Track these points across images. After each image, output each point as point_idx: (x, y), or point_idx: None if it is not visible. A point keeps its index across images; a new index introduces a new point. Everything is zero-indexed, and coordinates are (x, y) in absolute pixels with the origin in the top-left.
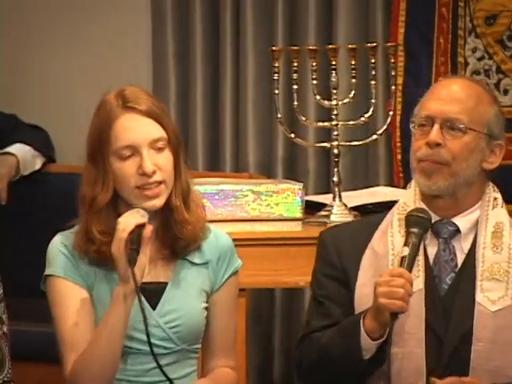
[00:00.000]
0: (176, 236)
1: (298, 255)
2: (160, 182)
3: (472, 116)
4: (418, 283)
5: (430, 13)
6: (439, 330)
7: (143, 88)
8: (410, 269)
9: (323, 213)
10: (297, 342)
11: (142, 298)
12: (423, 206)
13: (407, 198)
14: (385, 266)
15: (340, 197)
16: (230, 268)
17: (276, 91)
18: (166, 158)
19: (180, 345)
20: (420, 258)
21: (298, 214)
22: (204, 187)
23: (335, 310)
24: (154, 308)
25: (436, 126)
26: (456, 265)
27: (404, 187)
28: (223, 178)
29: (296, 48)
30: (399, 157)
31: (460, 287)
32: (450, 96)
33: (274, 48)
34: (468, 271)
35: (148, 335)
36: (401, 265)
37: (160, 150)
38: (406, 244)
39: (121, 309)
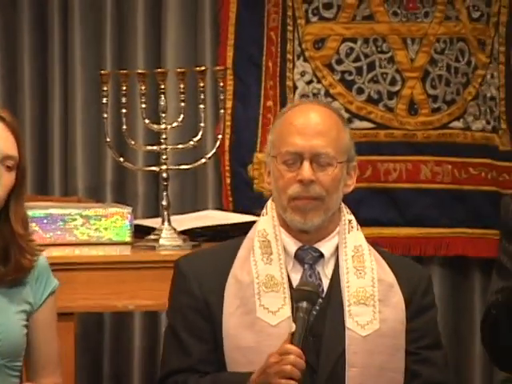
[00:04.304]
0: (13, 261)
1: (127, 279)
2: None
3: (337, 147)
4: (286, 311)
5: (258, 36)
6: (311, 358)
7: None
8: (299, 344)
9: (152, 237)
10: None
11: None
12: (283, 232)
13: (266, 225)
14: (250, 295)
15: (169, 220)
16: (48, 288)
17: (105, 115)
18: (9, 180)
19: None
20: (285, 286)
21: (127, 238)
22: (32, 211)
23: (196, 346)
24: None
25: (306, 163)
26: (322, 290)
27: (234, 211)
28: (52, 202)
29: (125, 72)
30: (228, 181)
31: (328, 313)
32: (314, 129)
33: (102, 72)
34: (335, 297)
35: None
36: (291, 341)
37: (8, 168)
38: (294, 320)
39: None
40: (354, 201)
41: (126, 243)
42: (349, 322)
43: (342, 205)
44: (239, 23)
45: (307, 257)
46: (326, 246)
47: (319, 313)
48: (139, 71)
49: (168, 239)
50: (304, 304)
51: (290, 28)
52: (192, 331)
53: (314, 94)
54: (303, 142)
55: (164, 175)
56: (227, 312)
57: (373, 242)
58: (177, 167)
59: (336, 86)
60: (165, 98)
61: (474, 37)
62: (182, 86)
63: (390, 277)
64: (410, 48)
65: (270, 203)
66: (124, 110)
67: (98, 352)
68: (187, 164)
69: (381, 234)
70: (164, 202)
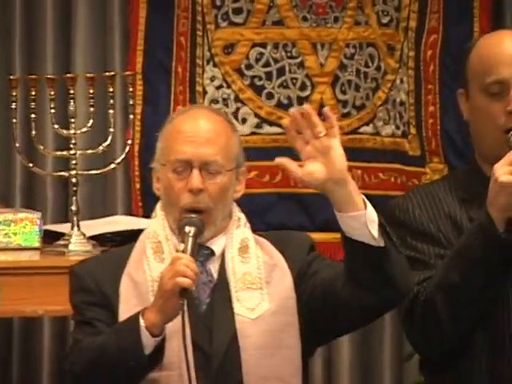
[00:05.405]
0: None
1: (36, 284)
2: None
3: (226, 155)
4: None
5: (168, 41)
6: (206, 347)
7: None
8: (191, 254)
9: (62, 242)
10: (65, 356)
11: None
12: (171, 233)
13: (156, 227)
14: (145, 293)
15: (78, 226)
16: None
17: (14, 120)
18: None
19: None
20: None
21: (36, 244)
22: None
23: (103, 327)
24: None
25: (195, 171)
26: (215, 286)
27: (144, 216)
28: None
29: (34, 77)
30: (138, 186)
31: (217, 303)
32: (203, 137)
33: (11, 77)
34: (223, 287)
35: None
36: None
37: None
38: (182, 241)
39: None
40: (263, 206)
41: (35, 248)
42: (237, 308)
43: (234, 205)
44: (148, 28)
45: (198, 254)
46: (216, 244)
47: (209, 305)
48: (48, 76)
49: (77, 244)
50: (189, 228)
51: (199, 33)
52: (99, 319)
53: (224, 99)
54: (192, 150)
55: (73, 180)
56: (124, 309)
57: None
58: (86, 172)
59: (246, 91)
60: (74, 103)
61: (384, 42)
62: (91, 91)
63: (274, 259)
64: (320, 53)
65: (158, 206)
66: (33, 115)
67: (7, 357)
68: (97, 169)
69: None
70: (73, 207)
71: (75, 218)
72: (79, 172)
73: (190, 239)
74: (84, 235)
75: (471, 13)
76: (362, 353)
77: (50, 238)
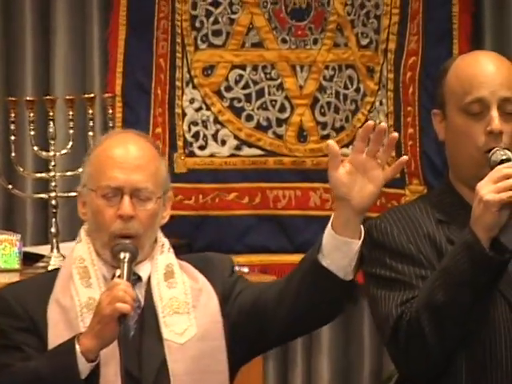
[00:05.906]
0: None
1: None
2: None
3: (156, 182)
4: None
5: (147, 63)
6: (135, 373)
7: None
8: (127, 279)
9: (41, 264)
10: None
11: None
12: (97, 258)
13: (82, 252)
14: (74, 318)
15: (58, 248)
16: None
17: None
18: None
19: None
20: None
21: (16, 266)
22: None
23: (35, 354)
24: None
25: (126, 198)
26: (142, 311)
27: None
28: None
29: (13, 99)
30: None
31: (146, 329)
32: (133, 163)
33: None
34: (150, 312)
35: None
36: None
37: None
38: (117, 267)
39: None
40: (242, 228)
41: (14, 270)
42: (165, 333)
43: (158, 230)
44: (128, 50)
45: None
46: (142, 270)
47: (136, 331)
48: (28, 98)
49: (57, 266)
50: (124, 254)
51: (178, 55)
52: (27, 344)
53: (203, 121)
54: (124, 177)
55: (53, 202)
56: (53, 334)
57: (261, 269)
58: (66, 194)
59: (225, 112)
60: (54, 125)
61: (363, 64)
62: (70, 113)
63: (200, 283)
64: (299, 75)
65: (83, 230)
66: (13, 137)
67: None
68: (76, 191)
69: (270, 261)
70: (53, 229)
71: (55, 240)
72: (59, 194)
73: (126, 265)
74: (64, 257)
75: (450, 35)
76: (341, 376)
77: (29, 259)
